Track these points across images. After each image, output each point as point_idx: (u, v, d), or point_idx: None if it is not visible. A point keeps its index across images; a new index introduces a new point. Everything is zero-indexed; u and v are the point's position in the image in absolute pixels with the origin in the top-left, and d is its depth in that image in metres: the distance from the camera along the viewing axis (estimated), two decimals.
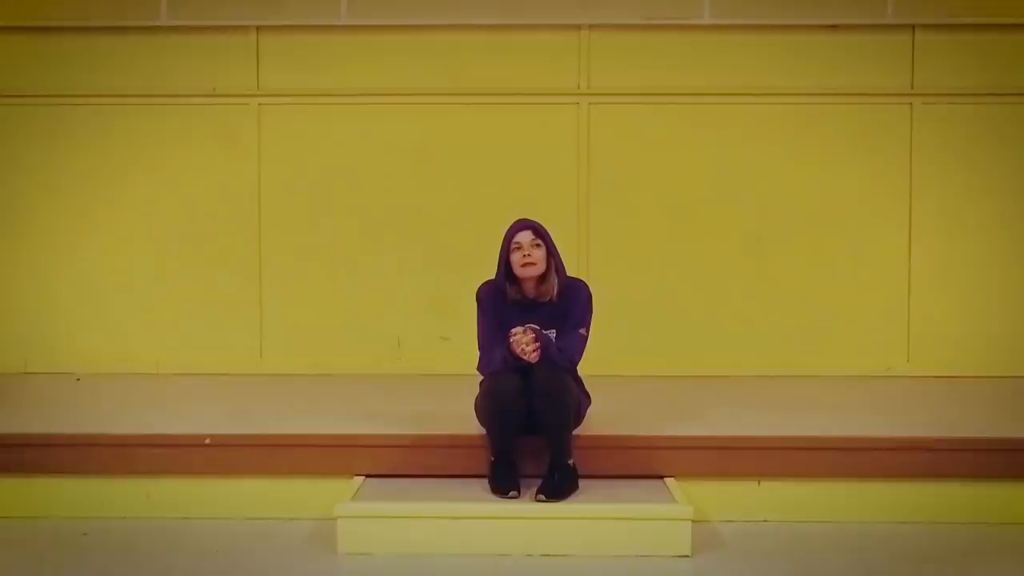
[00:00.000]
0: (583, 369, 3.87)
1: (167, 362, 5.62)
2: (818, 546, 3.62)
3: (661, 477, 3.88)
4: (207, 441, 3.96)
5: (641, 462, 3.90)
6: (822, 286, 5.60)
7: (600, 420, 4.05)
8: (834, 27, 5.59)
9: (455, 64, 5.63)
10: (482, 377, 3.77)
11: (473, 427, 3.89)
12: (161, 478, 3.93)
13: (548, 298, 3.77)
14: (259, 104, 5.68)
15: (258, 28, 5.66)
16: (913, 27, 5.59)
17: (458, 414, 4.08)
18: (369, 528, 3.52)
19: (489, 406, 3.69)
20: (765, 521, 3.87)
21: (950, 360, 5.56)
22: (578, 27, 5.62)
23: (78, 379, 5.44)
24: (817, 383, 5.30)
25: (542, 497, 3.60)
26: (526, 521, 3.53)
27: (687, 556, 3.47)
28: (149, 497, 3.89)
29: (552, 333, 3.72)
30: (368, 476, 3.89)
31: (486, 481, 3.72)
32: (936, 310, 5.60)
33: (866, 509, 3.86)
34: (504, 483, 3.67)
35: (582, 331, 3.75)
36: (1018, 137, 5.57)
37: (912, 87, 5.60)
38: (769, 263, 5.60)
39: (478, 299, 3.81)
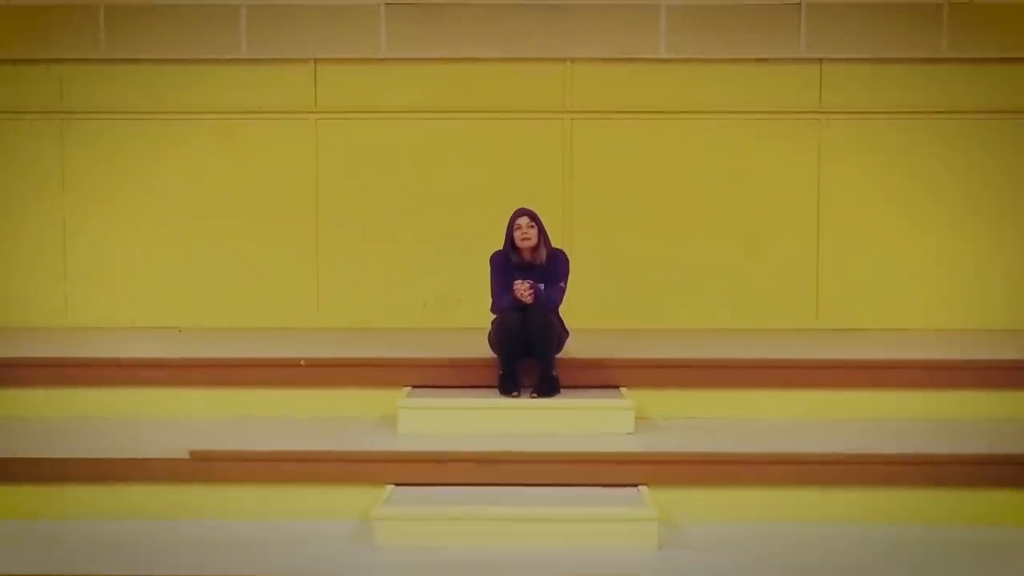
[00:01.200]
0: (564, 314, 5.73)
1: (245, 317, 7.45)
2: (722, 429, 5.47)
3: (617, 387, 5.74)
4: (302, 363, 5.82)
5: (603, 376, 5.78)
6: (749, 257, 7.44)
7: (575, 348, 5.91)
8: (761, 60, 7.43)
9: (467, 87, 7.46)
10: (493, 316, 5.63)
11: (487, 352, 5.74)
12: (268, 389, 5.77)
13: (539, 262, 5.64)
14: (316, 119, 7.52)
15: (316, 60, 7.49)
16: (821, 60, 7.44)
17: (476, 347, 5.91)
18: (419, 417, 5.38)
19: (498, 335, 5.56)
20: (690, 417, 5.73)
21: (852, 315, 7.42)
22: (563, 60, 7.46)
23: (179, 331, 7.27)
24: (740, 334, 7.15)
25: (535, 395, 5.48)
26: (524, 411, 5.41)
27: (631, 433, 5.34)
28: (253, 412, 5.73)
29: (541, 285, 5.57)
30: (414, 387, 5.74)
31: (497, 388, 5.58)
32: (838, 276, 7.46)
33: (766, 409, 5.71)
34: (509, 388, 5.55)
35: (561, 284, 5.63)
36: (900, 141, 7.41)
37: (820, 105, 7.45)
38: (711, 239, 7.45)
39: (491, 262, 5.68)
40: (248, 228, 7.50)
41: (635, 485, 4.92)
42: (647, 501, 4.72)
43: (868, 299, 7.46)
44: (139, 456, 5.02)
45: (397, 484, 4.93)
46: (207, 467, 4.97)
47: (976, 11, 7.37)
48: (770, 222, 7.49)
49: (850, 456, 4.99)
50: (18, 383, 5.80)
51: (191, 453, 4.99)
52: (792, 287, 7.48)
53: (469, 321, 6.79)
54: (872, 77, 7.45)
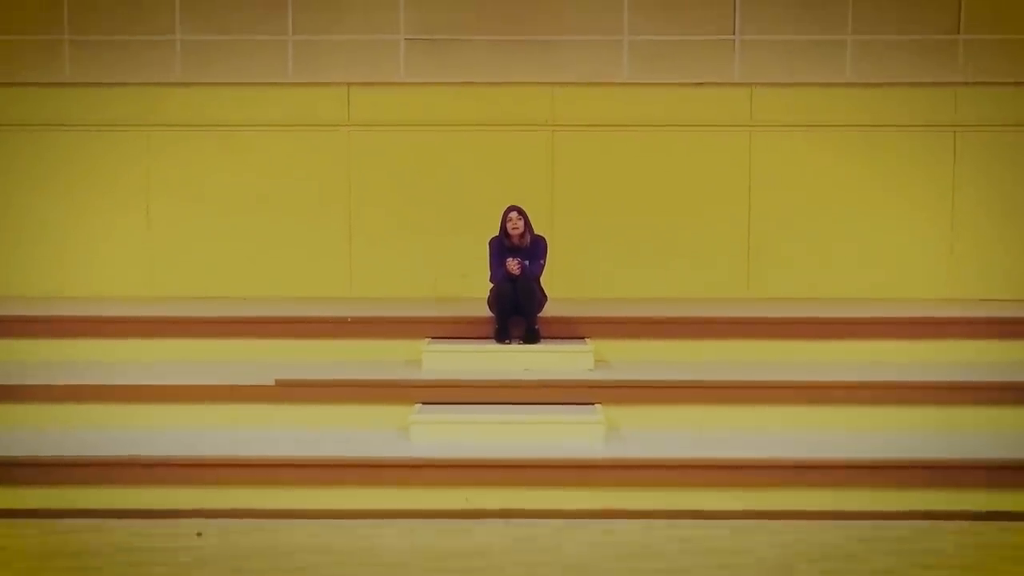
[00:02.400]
0: (546, 285, 7.89)
1: (295, 288, 9.58)
2: (661, 366, 7.63)
3: (583, 338, 7.91)
4: (348, 320, 8.00)
5: (572, 330, 7.97)
6: (693, 236, 9.59)
7: (552, 310, 8.08)
8: (700, 84, 9.57)
9: (469, 105, 9.58)
10: (491, 285, 7.79)
11: (486, 312, 7.91)
12: (323, 339, 7.93)
13: (525, 245, 7.80)
14: (349, 131, 9.66)
15: (349, 84, 9.61)
16: (752, 84, 9.58)
17: (477, 309, 8.06)
18: (438, 358, 7.56)
19: (494, 299, 7.74)
20: (636, 360, 7.89)
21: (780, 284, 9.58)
22: (548, 84, 9.58)
23: (245, 299, 9.42)
24: (680, 302, 9.31)
25: (522, 343, 7.67)
26: (514, 354, 7.60)
27: (591, 369, 7.52)
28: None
29: (527, 262, 7.73)
30: (432, 338, 7.90)
31: (494, 338, 7.76)
32: (766, 249, 9.60)
33: (697, 353, 7.88)
34: (503, 338, 7.73)
35: (541, 262, 7.81)
36: (816, 151, 9.54)
37: (751, 120, 9.59)
38: (663, 224, 9.60)
39: (489, 245, 7.85)
40: (295, 218, 9.63)
41: (592, 404, 7.10)
42: (599, 413, 6.92)
43: (789, 271, 9.61)
44: (239, 384, 7.19)
45: (423, 403, 7.11)
46: (287, 392, 7.16)
47: (875, 46, 9.51)
48: (707, 209, 9.62)
49: (759, 382, 7.19)
50: (146, 335, 7.97)
51: (276, 381, 7.18)
52: (726, 260, 9.62)
53: (471, 291, 8.92)
54: (792, 97, 9.58)
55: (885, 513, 6.44)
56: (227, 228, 9.66)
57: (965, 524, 6.33)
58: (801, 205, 9.64)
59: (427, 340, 7.85)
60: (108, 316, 8.19)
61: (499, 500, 6.45)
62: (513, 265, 7.64)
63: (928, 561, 5.73)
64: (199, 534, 6.11)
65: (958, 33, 9.59)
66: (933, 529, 6.26)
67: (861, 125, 9.61)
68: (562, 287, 8.57)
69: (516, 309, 7.79)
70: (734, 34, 9.60)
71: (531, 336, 7.76)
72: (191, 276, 9.61)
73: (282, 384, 7.19)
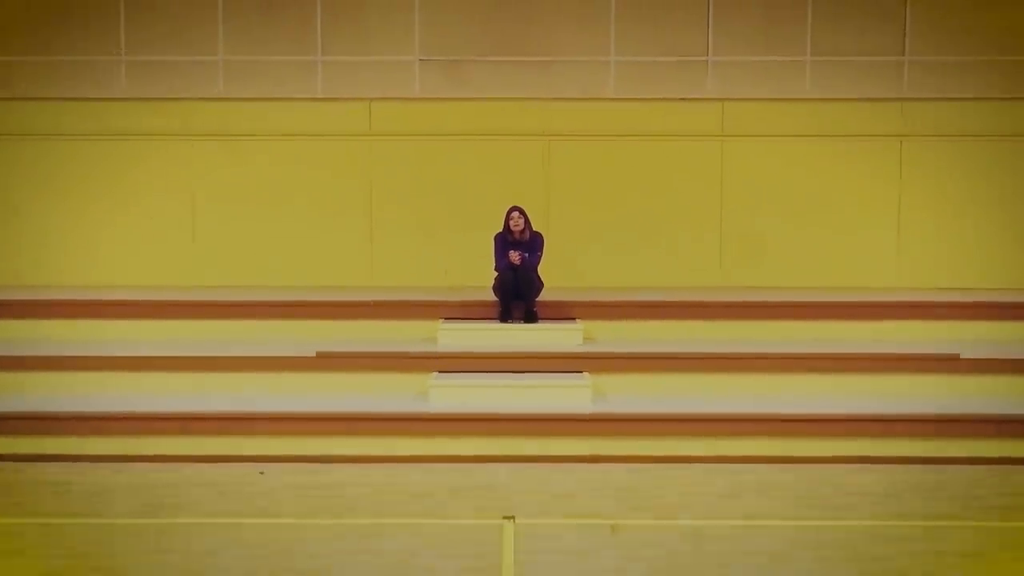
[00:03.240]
0: (543, 274, 9.43)
1: (323, 278, 11.10)
2: (642, 342, 9.16)
3: (574, 319, 9.45)
4: (372, 303, 9.54)
5: (565, 312, 9.52)
6: (673, 228, 11.12)
7: (548, 295, 9.61)
8: (680, 99, 11.11)
9: (476, 117, 11.12)
10: (496, 273, 9.34)
11: (491, 297, 9.45)
12: (353, 320, 9.45)
13: (525, 239, 9.34)
14: (371, 140, 11.19)
15: (370, 100, 11.15)
16: (723, 99, 11.11)
17: (484, 295, 9.59)
18: (451, 335, 9.10)
19: (499, 286, 9.30)
20: (620, 337, 9.43)
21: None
22: (543, 99, 11.11)
23: (280, 287, 10.93)
24: (659, 289, 10.84)
25: (522, 323, 9.22)
26: (515, 331, 9.16)
27: (580, 344, 9.05)
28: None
29: (527, 254, 9.26)
30: (446, 319, 9.44)
31: (498, 318, 9.30)
32: (737, 241, 11.14)
33: (675, 332, 9.41)
34: (506, 318, 9.30)
35: (539, 254, 9.36)
36: (780, 158, 11.08)
37: (722, 131, 11.13)
38: (646, 220, 11.12)
39: (494, 239, 9.39)
40: (322, 216, 11.17)
41: (580, 372, 8.63)
42: (586, 379, 8.45)
43: (756, 261, 11.14)
44: (283, 355, 8.73)
45: (439, 372, 8.64)
46: (326, 362, 8.70)
47: (831, 66, 11.05)
48: (683, 208, 11.16)
49: (724, 354, 8.73)
50: (198, 316, 9.49)
51: (317, 353, 8.72)
52: (700, 252, 11.16)
53: (478, 280, 10.44)
54: (758, 110, 11.12)
55: (818, 458, 7.98)
56: (262, 225, 11.19)
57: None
58: (767, 205, 11.18)
59: (441, 320, 9.38)
60: (168, 301, 9.72)
61: (503, 448, 7.99)
62: (515, 256, 9.18)
63: (845, 501, 7.26)
64: (262, 472, 7.64)
65: (903, 55, 11.13)
66: (861, 471, 7.80)
67: (819, 135, 11.16)
68: (557, 276, 10.09)
69: (517, 294, 9.33)
70: (707, 55, 11.14)
71: (530, 317, 9.30)
72: (231, 267, 11.14)
73: (322, 355, 8.73)
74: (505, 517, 6.60)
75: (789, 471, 7.83)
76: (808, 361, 8.75)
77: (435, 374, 8.61)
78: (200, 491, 7.29)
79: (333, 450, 8.00)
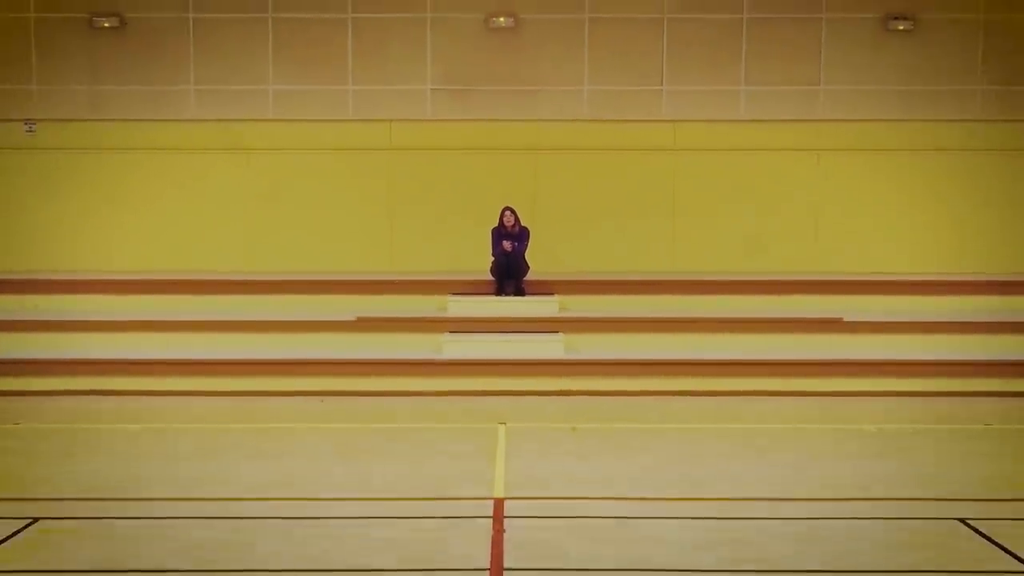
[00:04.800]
0: (530, 259, 12.62)
1: (352, 264, 14.26)
2: (608, 310, 12.34)
3: (553, 294, 12.68)
4: (394, 281, 12.74)
5: (546, 288, 12.77)
6: (631, 220, 14.31)
7: (533, 275, 12.81)
8: (639, 120, 14.30)
9: (477, 135, 14.31)
10: (492, 258, 12.56)
11: (488, 277, 12.68)
12: (381, 295, 12.65)
13: (515, 232, 12.60)
14: (391, 152, 14.39)
15: (391, 120, 14.34)
16: (675, 121, 14.31)
17: (484, 276, 12.78)
18: (458, 305, 12.36)
19: (494, 268, 12.58)
20: (590, 308, 12.62)
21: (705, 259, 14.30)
22: (532, 120, 14.31)
23: (317, 272, 14.13)
24: (621, 272, 14.02)
25: (513, 296, 12.46)
26: (508, 303, 12.44)
27: (556, 312, 12.26)
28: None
29: (516, 244, 12.48)
30: (454, 294, 12.65)
31: (495, 293, 12.53)
32: (689, 231, 14.33)
33: (636, 306, 12.61)
34: (500, 293, 12.60)
35: (526, 244, 12.72)
36: (723, 168, 14.28)
37: (675, 145, 14.33)
38: (611, 216, 14.31)
39: (492, 232, 12.69)
40: (350, 214, 14.34)
41: (556, 332, 11.82)
42: (560, 336, 11.67)
43: (702, 251, 14.32)
44: (330, 319, 11.92)
45: (450, 332, 11.83)
46: (363, 324, 11.91)
47: (760, 94, 14.25)
48: (643, 208, 14.34)
49: (670, 318, 11.95)
50: (261, 292, 12.66)
51: (357, 318, 11.91)
52: (657, 244, 14.34)
53: (479, 266, 13.60)
54: (703, 129, 14.32)
55: (730, 391, 11.17)
56: (302, 221, 14.35)
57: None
58: (709, 206, 14.38)
59: (450, 295, 12.59)
60: (235, 280, 12.91)
61: (497, 385, 11.20)
62: (507, 245, 12.38)
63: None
64: (322, 400, 10.84)
65: (819, 85, 14.33)
66: (760, 400, 11.01)
67: (752, 149, 14.36)
68: (540, 261, 13.23)
69: (509, 275, 12.53)
70: (662, 85, 14.34)
71: (519, 292, 12.51)
72: (281, 255, 14.31)
73: (360, 319, 11.95)
74: (499, 423, 9.80)
75: (709, 401, 11.04)
76: (727, 324, 11.99)
77: (447, 334, 11.80)
78: (283, 411, 10.49)
79: (372, 387, 11.21)
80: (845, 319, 11.95)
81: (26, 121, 14.28)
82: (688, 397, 11.16)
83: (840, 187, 14.44)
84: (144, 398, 11.16)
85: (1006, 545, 6.19)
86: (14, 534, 6.30)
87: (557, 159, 14.40)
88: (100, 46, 14.27)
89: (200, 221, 14.35)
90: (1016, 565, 5.88)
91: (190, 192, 14.35)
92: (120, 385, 11.29)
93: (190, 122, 14.31)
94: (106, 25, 14.09)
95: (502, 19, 14.11)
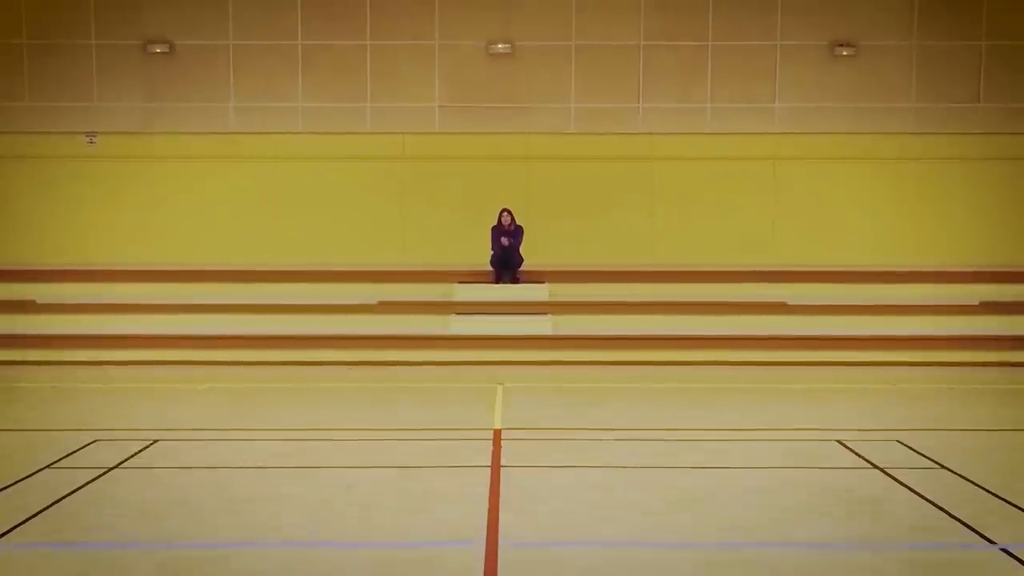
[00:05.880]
0: (524, 254, 15.24)
1: (369, 258, 16.84)
2: (592, 296, 14.95)
3: (543, 282, 15.30)
4: (407, 272, 15.36)
5: (537, 278, 15.39)
6: (610, 224, 16.91)
7: (527, 267, 15.41)
8: (621, 133, 16.89)
9: (480, 145, 16.88)
10: (492, 252, 15.18)
11: (488, 267, 15.28)
12: (399, 283, 15.26)
13: (511, 230, 15.22)
14: (404, 161, 16.98)
15: (404, 133, 16.93)
16: (651, 133, 16.91)
17: (484, 267, 15.38)
18: (464, 291, 15.01)
19: (493, 260, 15.23)
20: (576, 294, 15.22)
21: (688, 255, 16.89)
22: (525, 133, 16.91)
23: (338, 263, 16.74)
24: (604, 264, 16.61)
25: (509, 283, 15.09)
26: (505, 289, 15.02)
27: (546, 297, 14.88)
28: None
29: (512, 239, 15.09)
30: (460, 281, 15.27)
31: (493, 282, 15.14)
32: (669, 229, 16.93)
33: (618, 292, 15.23)
34: (498, 281, 15.23)
35: (520, 239, 15.37)
36: (694, 175, 16.88)
37: (652, 154, 16.92)
38: (597, 216, 16.90)
39: (491, 230, 15.33)
40: (368, 214, 16.92)
41: (546, 314, 14.44)
42: (549, 318, 14.30)
43: (678, 246, 16.91)
44: (355, 303, 14.52)
45: (457, 313, 14.44)
46: (384, 307, 14.53)
47: (723, 110, 16.85)
48: (625, 209, 16.94)
49: (642, 302, 14.54)
50: (293, 280, 15.27)
51: (378, 301, 14.52)
52: (637, 240, 16.92)
53: (480, 260, 16.20)
54: (675, 141, 16.92)
55: (691, 361, 13.77)
56: (327, 221, 16.94)
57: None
58: (681, 207, 16.97)
59: (457, 282, 15.18)
60: (273, 270, 15.50)
61: (496, 356, 13.79)
62: (504, 241, 14.99)
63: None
64: (348, 369, 13.43)
65: (775, 103, 16.93)
66: (709, 368, 13.62)
67: (716, 158, 16.96)
68: (533, 255, 15.82)
69: (506, 266, 15.13)
70: (639, 103, 16.94)
71: (514, 280, 15.12)
72: (306, 250, 16.90)
73: (382, 303, 14.55)
74: (498, 383, 12.40)
75: (671, 370, 13.62)
76: (692, 306, 14.60)
77: (454, 315, 14.39)
78: (323, 375, 13.09)
79: (393, 358, 13.80)
80: (788, 303, 14.55)
81: (88, 134, 16.88)
82: (655, 366, 13.73)
83: (793, 191, 17.03)
84: (212, 367, 13.71)
85: (866, 455, 8.79)
86: (144, 448, 8.90)
87: (548, 167, 16.99)
88: (153, 69, 16.86)
89: (240, 220, 16.93)
90: (866, 466, 8.48)
91: (230, 195, 16.93)
92: (196, 357, 13.90)
93: (230, 134, 16.89)
94: (158, 51, 16.67)
95: (500, 46, 16.70)
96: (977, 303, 14.80)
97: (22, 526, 6.59)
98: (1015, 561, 6.08)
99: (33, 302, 14.86)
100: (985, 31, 16.77)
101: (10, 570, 5.86)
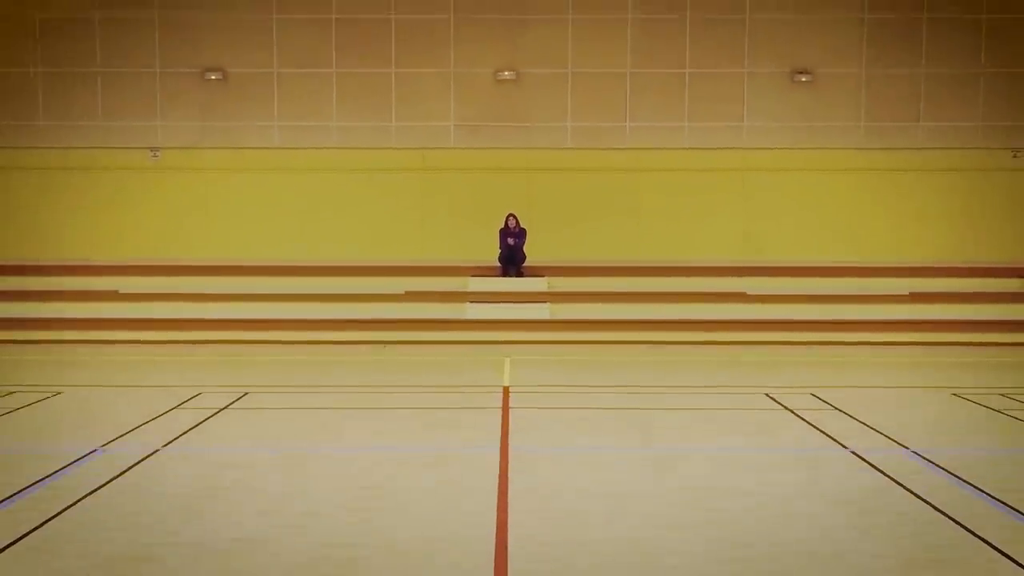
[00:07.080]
0: (528, 252, 18.31)
1: (393, 254, 19.92)
2: (586, 287, 18.02)
3: (543, 276, 18.39)
4: (424, 266, 18.45)
5: (538, 272, 18.51)
6: (598, 220, 19.96)
7: (528, 263, 18.49)
8: (611, 148, 19.97)
9: (488, 159, 19.96)
10: (500, 250, 18.27)
11: (497, 264, 18.36)
12: (417, 277, 18.35)
13: (516, 232, 18.32)
14: (424, 173, 20.06)
15: (424, 148, 20.01)
16: (638, 148, 19.97)
17: (494, 263, 18.45)
18: (476, 283, 18.15)
19: (501, 257, 18.38)
20: (572, 286, 18.29)
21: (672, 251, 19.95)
22: (527, 148, 19.98)
23: (385, 345, 19.85)
24: (596, 260, 19.67)
25: (514, 277, 18.20)
26: (511, 281, 18.16)
27: (545, 288, 17.96)
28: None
29: (517, 240, 18.16)
30: (472, 275, 18.36)
31: (501, 275, 18.24)
32: (654, 226, 19.99)
33: (611, 285, 18.29)
34: (505, 275, 18.33)
35: (524, 240, 18.53)
36: (677, 183, 19.94)
37: (637, 166, 19.99)
38: (589, 219, 19.97)
39: (500, 232, 18.46)
40: (392, 218, 19.99)
41: (545, 303, 17.53)
42: (547, 305, 17.43)
43: (658, 244, 19.96)
44: (384, 292, 17.61)
45: (471, 301, 17.53)
46: (410, 296, 17.72)
47: (699, 128, 19.92)
48: (614, 214, 19.99)
49: (630, 292, 17.63)
50: (329, 275, 18.37)
51: (405, 291, 17.63)
52: (624, 239, 19.98)
53: (489, 257, 19.26)
54: (657, 154, 19.98)
55: (668, 342, 16.85)
56: (357, 224, 20.02)
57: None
58: (662, 212, 20.05)
59: (470, 276, 18.27)
60: (314, 265, 18.58)
61: (504, 336, 16.88)
62: (510, 241, 18.07)
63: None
64: (385, 347, 16.50)
65: (743, 121, 20.00)
66: (688, 348, 16.72)
67: (692, 169, 20.05)
68: (534, 253, 18.88)
69: (511, 263, 18.25)
70: (626, 122, 20.01)
71: (519, 275, 18.26)
72: (340, 249, 19.99)
73: (408, 292, 17.65)
74: (505, 357, 15.48)
75: (653, 349, 16.68)
76: (669, 296, 17.68)
77: (468, 303, 17.47)
78: (359, 352, 16.18)
79: (418, 338, 16.88)
80: (748, 292, 17.64)
81: (152, 149, 19.98)
82: (635, 345, 16.80)
83: (760, 198, 20.11)
84: (268, 345, 16.80)
85: (784, 402, 11.86)
86: (238, 399, 12.00)
87: (547, 177, 20.07)
88: (209, 93, 19.97)
89: (283, 223, 20.07)
90: (778, 408, 11.55)
91: (275, 202, 20.03)
92: (254, 337, 16.99)
93: (275, 149, 19.99)
94: (213, 78, 19.80)
95: (507, 73, 19.81)
96: (907, 293, 17.89)
97: (186, 434, 9.69)
98: (846, 450, 9.14)
99: (116, 292, 17.98)
100: (925, 60, 19.91)
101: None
